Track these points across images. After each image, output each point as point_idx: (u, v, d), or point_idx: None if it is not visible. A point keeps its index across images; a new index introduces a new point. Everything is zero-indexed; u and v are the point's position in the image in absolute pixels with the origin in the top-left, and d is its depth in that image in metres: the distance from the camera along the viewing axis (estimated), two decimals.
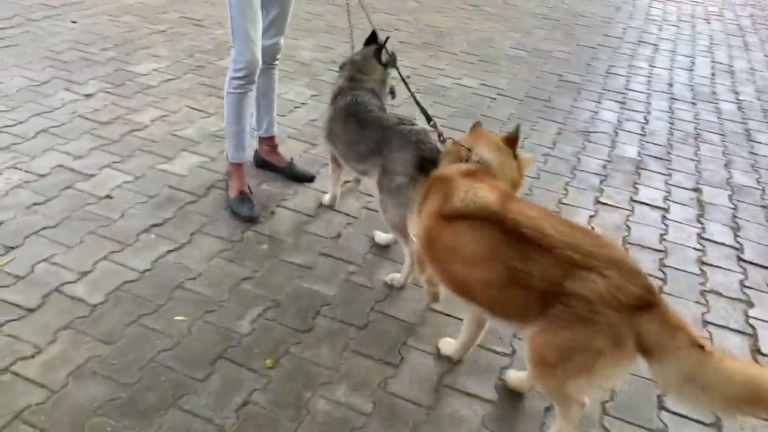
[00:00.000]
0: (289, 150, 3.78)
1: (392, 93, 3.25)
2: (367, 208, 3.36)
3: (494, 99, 4.88)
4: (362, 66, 3.08)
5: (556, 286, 1.78)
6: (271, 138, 3.56)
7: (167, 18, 5.75)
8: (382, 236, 3.09)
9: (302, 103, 4.46)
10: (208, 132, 3.91)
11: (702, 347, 1.70)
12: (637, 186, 3.90)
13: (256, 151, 3.60)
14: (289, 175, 3.55)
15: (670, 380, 1.75)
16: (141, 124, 3.90)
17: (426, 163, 2.52)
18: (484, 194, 1.99)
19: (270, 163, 3.57)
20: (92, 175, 3.33)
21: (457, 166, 2.18)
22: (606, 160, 4.17)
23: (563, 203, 3.63)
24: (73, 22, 5.40)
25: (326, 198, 3.35)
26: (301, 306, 2.65)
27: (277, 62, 3.34)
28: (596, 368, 1.82)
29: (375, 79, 3.08)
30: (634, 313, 1.73)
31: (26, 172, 3.30)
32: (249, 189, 3.29)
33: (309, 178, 3.57)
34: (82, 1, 5.90)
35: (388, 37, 3.14)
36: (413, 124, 2.73)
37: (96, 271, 2.69)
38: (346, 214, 3.30)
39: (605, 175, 3.98)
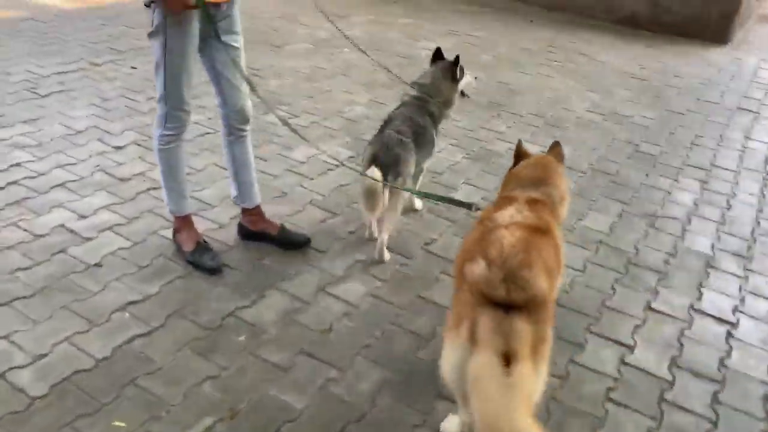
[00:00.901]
0: (307, 218, 3.51)
1: (462, 94, 3.62)
2: (373, 296, 3.00)
3: None
4: (430, 89, 3.36)
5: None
6: (257, 207, 3.31)
7: None
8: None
9: (336, 166, 4.18)
10: (227, 194, 3.69)
11: (507, 361, 1.64)
12: (702, 290, 3.30)
13: (240, 222, 3.36)
14: (281, 242, 3.28)
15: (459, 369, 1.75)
16: (160, 182, 3.74)
17: (375, 159, 2.96)
18: (526, 221, 2.08)
19: (258, 233, 3.30)
20: (89, 239, 3.18)
21: (528, 193, 2.32)
22: (670, 254, 3.58)
23: (607, 306, 3.11)
24: (133, 67, 5.44)
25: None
26: (260, 420, 2.31)
27: (247, 128, 3.11)
28: (446, 344, 1.87)
29: (441, 100, 3.37)
30: (482, 304, 1.76)
31: (25, 231, 3.19)
32: (203, 239, 3.16)
33: (302, 243, 3.30)
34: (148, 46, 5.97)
35: (458, 56, 3.43)
36: (401, 133, 3.09)
37: (52, 354, 2.48)
38: (346, 302, 2.95)
39: (665, 273, 3.41)
